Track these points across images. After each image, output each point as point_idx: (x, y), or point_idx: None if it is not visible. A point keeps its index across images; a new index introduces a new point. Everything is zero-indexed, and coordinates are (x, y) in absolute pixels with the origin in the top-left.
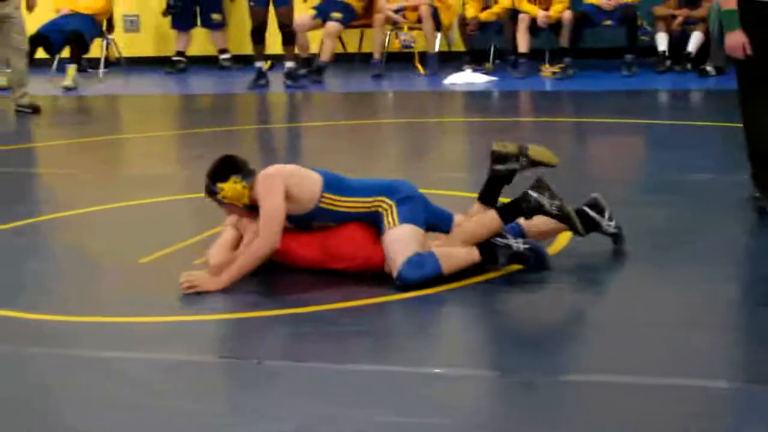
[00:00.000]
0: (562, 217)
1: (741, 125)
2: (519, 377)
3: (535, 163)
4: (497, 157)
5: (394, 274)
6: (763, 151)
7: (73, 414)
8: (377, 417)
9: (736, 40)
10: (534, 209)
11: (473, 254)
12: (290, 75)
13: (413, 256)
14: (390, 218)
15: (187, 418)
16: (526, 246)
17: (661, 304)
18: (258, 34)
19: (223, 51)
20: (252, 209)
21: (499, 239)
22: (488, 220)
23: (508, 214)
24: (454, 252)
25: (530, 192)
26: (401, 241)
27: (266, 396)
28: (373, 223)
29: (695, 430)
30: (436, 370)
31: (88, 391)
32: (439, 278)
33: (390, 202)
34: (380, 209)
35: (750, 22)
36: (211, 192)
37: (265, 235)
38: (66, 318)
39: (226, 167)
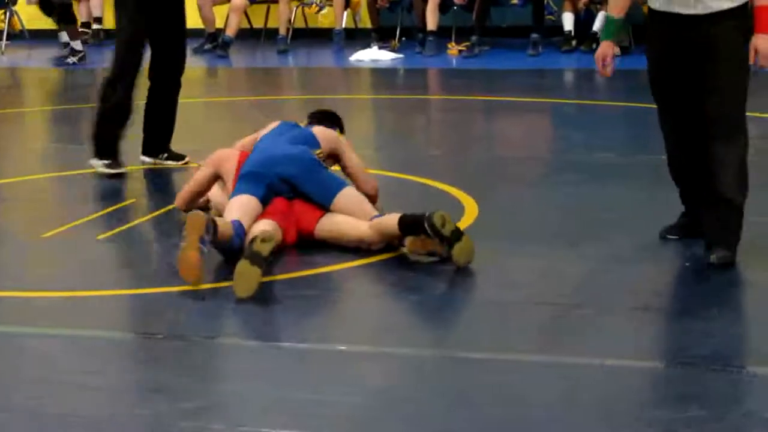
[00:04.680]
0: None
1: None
2: (424, 354)
3: (451, 258)
4: (431, 225)
5: None
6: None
7: None
8: (287, 393)
9: (597, 52)
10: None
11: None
12: (72, 53)
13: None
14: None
15: (94, 393)
16: None
17: (569, 283)
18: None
19: (97, 20)
20: None
21: None
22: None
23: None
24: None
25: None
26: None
27: (174, 372)
28: None
29: (602, 408)
30: (341, 347)
31: None
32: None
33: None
34: None
35: (649, 36)
36: None
37: None
38: None
39: None
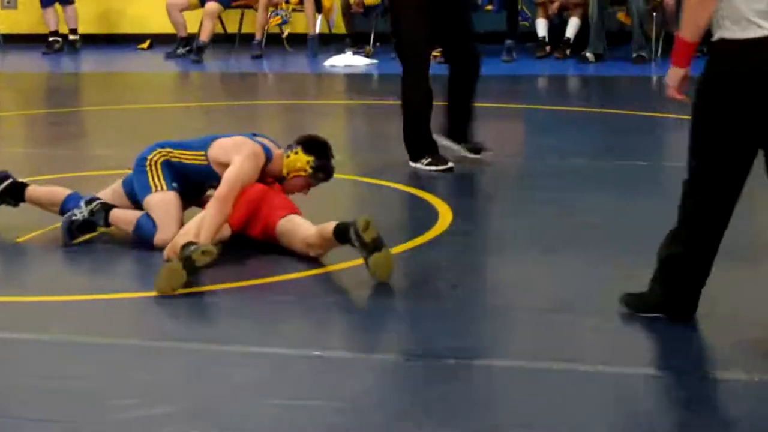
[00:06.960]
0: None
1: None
2: (401, 360)
3: (367, 265)
4: (355, 230)
5: None
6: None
7: None
8: (263, 400)
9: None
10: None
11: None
12: None
13: None
14: None
15: (71, 398)
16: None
17: (545, 288)
18: None
19: (73, 31)
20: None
21: None
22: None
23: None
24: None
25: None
26: None
27: (150, 378)
28: None
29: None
30: (318, 353)
31: None
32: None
33: None
34: None
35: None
36: None
37: None
38: None
39: None
